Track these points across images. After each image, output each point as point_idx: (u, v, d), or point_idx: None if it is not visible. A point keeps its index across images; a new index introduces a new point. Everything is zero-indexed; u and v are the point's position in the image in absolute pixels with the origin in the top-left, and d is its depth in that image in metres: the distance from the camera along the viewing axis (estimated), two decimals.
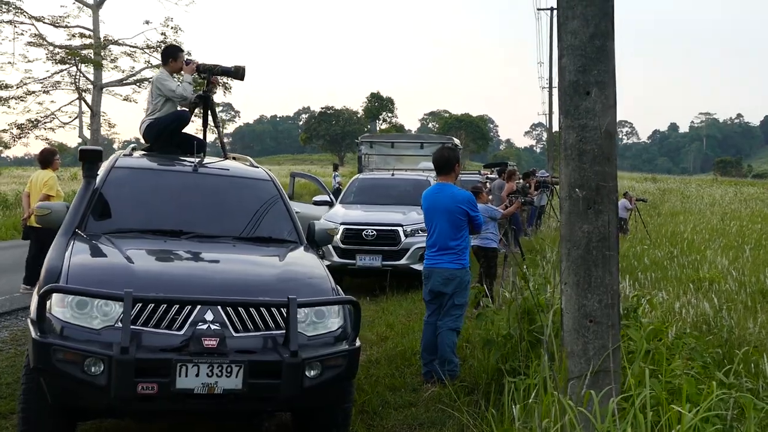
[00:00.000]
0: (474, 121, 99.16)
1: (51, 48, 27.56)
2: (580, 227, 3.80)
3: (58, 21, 27.67)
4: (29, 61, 28.31)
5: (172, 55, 7.28)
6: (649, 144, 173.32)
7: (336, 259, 11.41)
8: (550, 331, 4.04)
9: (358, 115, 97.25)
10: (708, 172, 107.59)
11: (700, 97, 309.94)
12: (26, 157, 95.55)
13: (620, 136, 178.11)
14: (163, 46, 28.85)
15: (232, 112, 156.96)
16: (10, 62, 27.59)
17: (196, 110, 7.59)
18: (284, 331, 4.39)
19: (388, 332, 8.38)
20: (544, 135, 59.13)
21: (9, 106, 26.95)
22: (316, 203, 13.02)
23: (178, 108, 7.25)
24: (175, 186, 5.96)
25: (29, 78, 27.93)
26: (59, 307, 4.27)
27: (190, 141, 7.33)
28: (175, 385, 4.10)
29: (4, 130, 28.99)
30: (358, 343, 4.75)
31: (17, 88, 26.98)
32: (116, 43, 28.74)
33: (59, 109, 28.84)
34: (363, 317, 9.43)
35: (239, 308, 4.41)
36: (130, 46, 28.68)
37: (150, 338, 4.22)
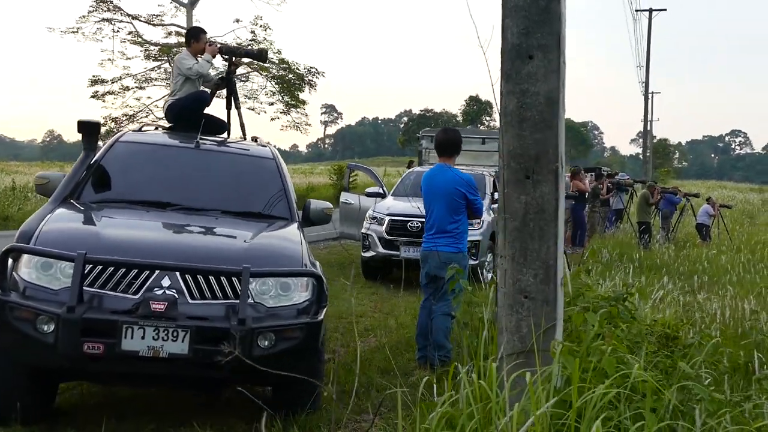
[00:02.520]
0: (575, 126, 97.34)
1: (146, 45, 28.66)
2: (518, 198, 3.62)
3: (153, 19, 28.73)
4: (128, 58, 29.40)
5: (194, 36, 7.38)
6: (765, 155, 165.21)
7: (381, 250, 11.38)
8: (490, 309, 3.85)
9: (457, 119, 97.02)
10: None
11: None
12: None
13: (733, 146, 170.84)
14: (253, 43, 29.64)
15: (335, 114, 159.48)
16: (109, 59, 28.85)
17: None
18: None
19: (410, 321, 8.26)
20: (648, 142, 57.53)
21: (104, 101, 28.15)
22: (369, 194, 13.02)
23: (201, 89, 7.32)
24: (173, 161, 6.05)
25: (126, 74, 29.14)
26: (26, 268, 4.41)
27: (212, 122, 7.43)
28: (120, 347, 4.15)
29: (102, 125, 30.36)
30: (320, 317, 4.68)
31: (112, 83, 28.14)
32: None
33: (153, 103, 29.94)
34: (395, 306, 9.46)
35: (198, 276, 4.44)
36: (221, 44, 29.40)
37: (103, 300, 4.29)
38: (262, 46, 29.47)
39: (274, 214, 5.79)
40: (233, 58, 7.53)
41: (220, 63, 7.78)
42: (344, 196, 13.64)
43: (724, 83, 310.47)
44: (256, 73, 30.06)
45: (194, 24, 29.83)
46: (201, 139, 6.29)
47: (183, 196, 5.66)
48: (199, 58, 7.22)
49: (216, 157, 6.26)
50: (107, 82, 28.09)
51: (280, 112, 30.91)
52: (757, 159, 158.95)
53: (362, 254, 11.80)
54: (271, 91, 30.70)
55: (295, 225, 5.68)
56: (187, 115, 7.01)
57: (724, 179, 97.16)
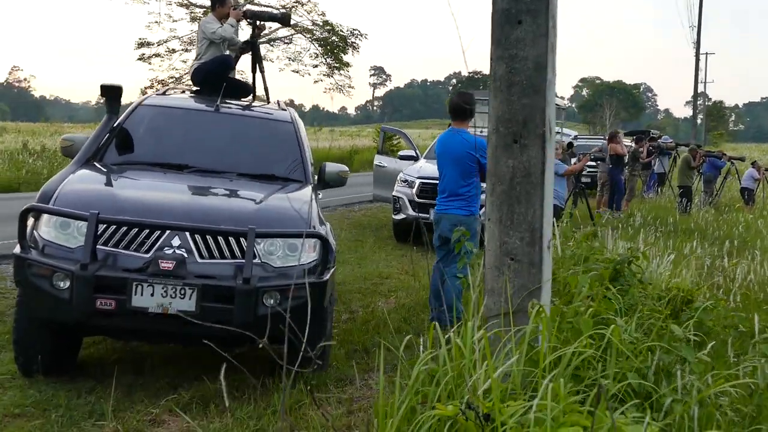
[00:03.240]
0: (627, 89, 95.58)
1: (192, 8, 28.85)
2: (505, 162, 3.66)
3: None
4: (174, 20, 29.60)
5: (219, 0, 7.49)
6: None
7: (411, 212, 11.47)
8: (482, 269, 3.93)
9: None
10: None
11: None
12: None
13: None
14: (297, 5, 29.65)
15: (384, 76, 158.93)
16: (156, 21, 29.11)
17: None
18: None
19: None
20: (702, 104, 56.87)
21: (150, 63, 28.47)
22: (402, 158, 13.09)
23: (225, 53, 7.45)
24: (193, 124, 6.21)
25: (173, 37, 29.40)
26: (45, 227, 4.63)
27: (236, 85, 7.58)
28: (131, 303, 4.35)
29: (149, 87, 30.75)
30: (326, 277, 4.81)
31: (158, 45, 28.43)
32: (252, 2, 29.64)
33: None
34: (422, 268, 9.57)
35: (207, 236, 4.60)
36: (265, 6, 29.42)
37: (115, 258, 4.48)
38: (306, 8, 29.46)
39: (290, 177, 5.92)
40: (257, 22, 7.62)
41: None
42: (378, 159, 13.73)
43: None
44: (300, 35, 30.10)
45: None
46: (222, 102, 6.43)
47: (201, 159, 5.82)
48: (223, 23, 7.33)
49: (235, 121, 6.41)
50: (153, 44, 28.37)
51: (324, 75, 30.94)
52: None
53: (393, 217, 11.93)
54: (315, 53, 30.72)
55: (309, 187, 5.80)
56: (212, 78, 7.15)
57: None
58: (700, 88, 56.33)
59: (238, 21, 7.50)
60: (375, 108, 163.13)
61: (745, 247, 10.80)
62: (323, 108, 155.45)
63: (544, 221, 3.67)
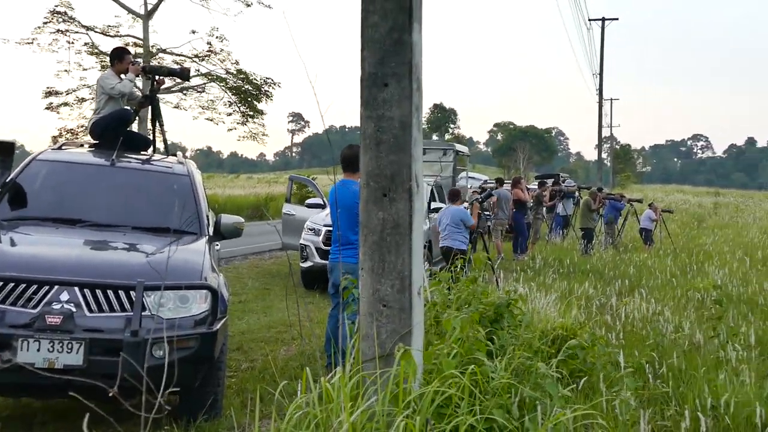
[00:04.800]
0: (539, 133, 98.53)
1: (102, 56, 28.62)
2: (376, 214, 3.91)
3: (109, 30, 28.67)
4: (84, 69, 29.28)
5: (117, 56, 7.60)
6: (725, 158, 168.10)
7: (318, 260, 11.62)
8: (359, 318, 4.14)
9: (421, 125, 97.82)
10: None
11: None
12: None
13: (695, 150, 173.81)
14: (210, 54, 29.77)
15: (302, 122, 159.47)
16: (65, 70, 28.74)
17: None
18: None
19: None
20: (609, 147, 59.54)
21: (59, 112, 28.04)
22: (309, 206, 13.29)
23: (124, 107, 7.54)
24: (88, 178, 6.28)
25: (83, 85, 29.04)
26: None
27: (135, 138, 7.68)
28: (16, 359, 4.37)
29: (58, 136, 30.19)
30: (215, 327, 4.94)
31: (67, 94, 28.05)
32: (164, 51, 29.59)
33: None
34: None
35: (96, 290, 4.68)
36: (178, 55, 29.42)
37: (2, 315, 4.52)
38: (220, 56, 29.51)
39: (185, 229, 6.03)
40: (156, 77, 7.76)
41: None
42: (286, 208, 13.92)
43: (687, 89, 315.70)
44: (213, 83, 30.15)
45: (150, 35, 29.90)
46: (119, 156, 6.52)
47: (94, 213, 5.89)
48: (122, 77, 7.44)
49: (131, 174, 6.50)
50: (62, 93, 27.97)
51: (238, 123, 30.99)
52: (718, 162, 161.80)
53: (300, 265, 12.06)
54: (229, 101, 30.79)
55: (203, 239, 5.92)
56: (111, 132, 7.22)
57: (687, 183, 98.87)
58: (607, 132, 58.72)
59: (137, 76, 7.63)
60: (294, 154, 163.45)
61: (638, 285, 11.36)
62: (242, 155, 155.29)
63: (414, 269, 3.92)
